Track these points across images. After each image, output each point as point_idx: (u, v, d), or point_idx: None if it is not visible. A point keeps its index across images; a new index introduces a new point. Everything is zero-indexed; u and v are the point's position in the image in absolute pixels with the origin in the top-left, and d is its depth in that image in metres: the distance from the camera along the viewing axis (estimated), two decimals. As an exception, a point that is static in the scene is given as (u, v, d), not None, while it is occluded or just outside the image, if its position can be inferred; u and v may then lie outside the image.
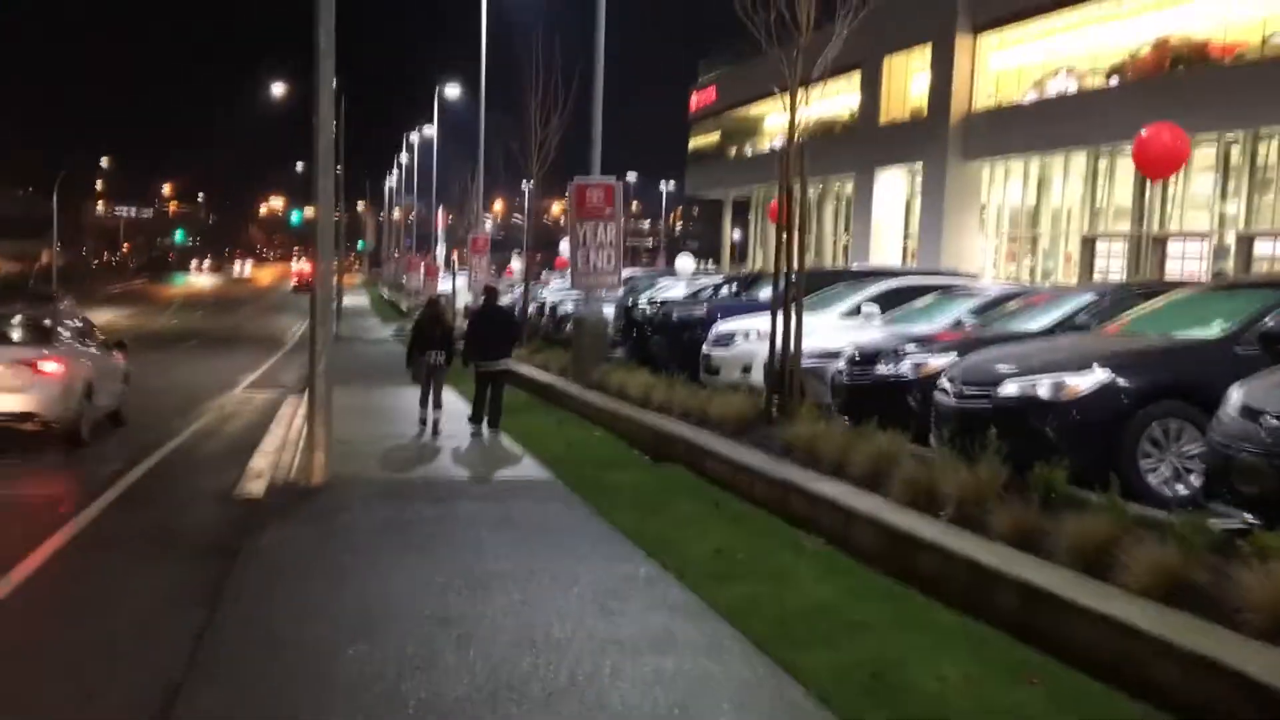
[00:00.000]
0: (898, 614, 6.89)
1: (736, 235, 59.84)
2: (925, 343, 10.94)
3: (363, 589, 7.48)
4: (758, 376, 14.54)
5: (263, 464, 13.21)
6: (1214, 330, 8.70)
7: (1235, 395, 6.90)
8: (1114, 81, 31.96)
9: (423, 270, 50.10)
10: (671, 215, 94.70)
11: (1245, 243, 28.08)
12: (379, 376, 23.38)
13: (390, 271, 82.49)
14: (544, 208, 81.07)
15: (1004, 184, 37.79)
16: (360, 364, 27.05)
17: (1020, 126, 34.57)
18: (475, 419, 14.79)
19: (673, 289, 22.32)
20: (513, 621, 6.74)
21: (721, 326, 15.49)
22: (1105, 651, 5.73)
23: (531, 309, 26.37)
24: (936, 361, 10.49)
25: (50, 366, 13.35)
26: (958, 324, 12.64)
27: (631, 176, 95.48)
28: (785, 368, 11.69)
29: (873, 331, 13.34)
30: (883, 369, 10.84)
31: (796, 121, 12.09)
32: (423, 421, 14.81)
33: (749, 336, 14.85)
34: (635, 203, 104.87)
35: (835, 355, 12.52)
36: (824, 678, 5.77)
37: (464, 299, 30.48)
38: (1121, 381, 8.35)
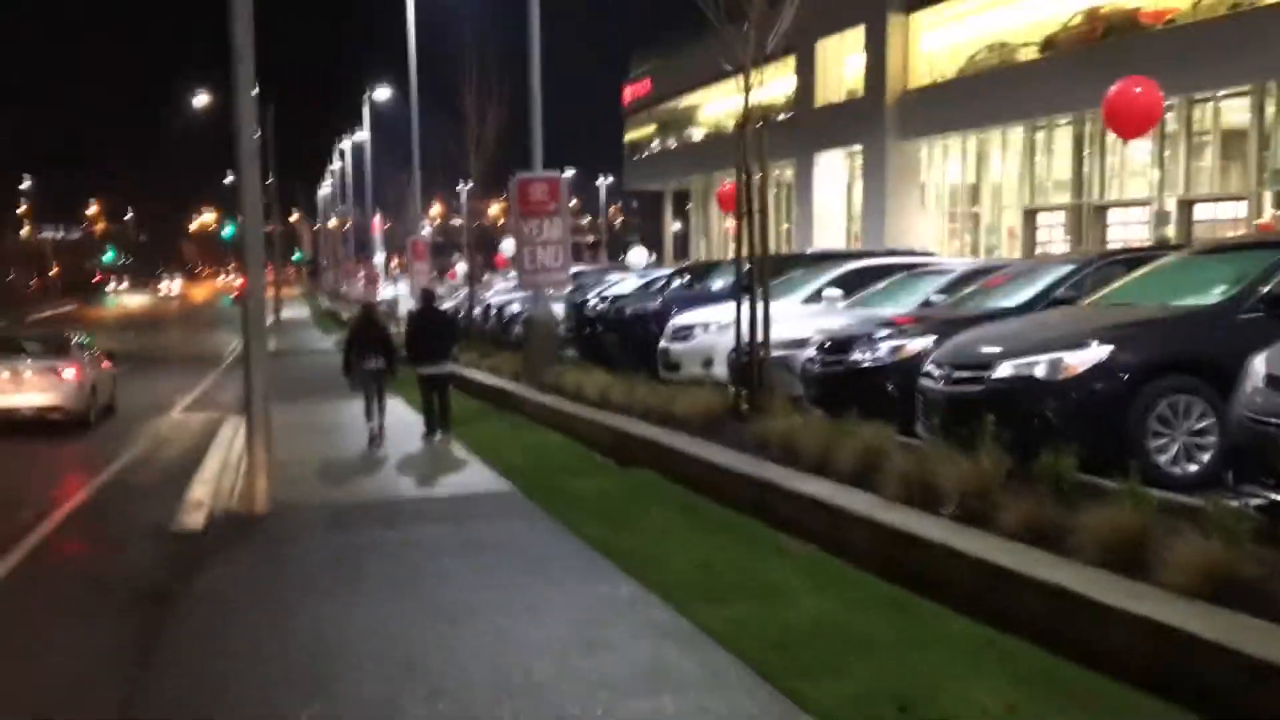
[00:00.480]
0: (908, 627, 6.21)
1: (676, 227, 59.23)
2: (899, 326, 10.29)
3: (316, 634, 6.67)
4: (721, 370, 13.86)
5: (202, 493, 12.31)
6: (1214, 297, 8.12)
7: (1259, 365, 6.30)
8: (1047, 54, 31.69)
9: (362, 278, 48.90)
10: (610, 209, 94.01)
11: (1185, 207, 27.88)
12: (322, 390, 22.42)
13: (329, 281, 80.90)
14: (483, 208, 79.94)
15: (943, 162, 37.48)
16: (302, 378, 26.04)
17: (956, 104, 34.20)
18: (429, 428, 14.40)
19: (623, 284, 21.57)
20: (487, 663, 5.97)
21: (679, 319, 14.78)
22: (1152, 659, 5.10)
23: (477, 311, 25.50)
24: (914, 345, 9.86)
25: (69, 372, 18.24)
26: (927, 304, 12.03)
27: (570, 172, 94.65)
28: (754, 359, 11.00)
29: (838, 317, 12.72)
30: (857, 355, 10.17)
31: (750, 101, 11.39)
32: (372, 433, 14.19)
33: (709, 328, 14.15)
34: (574, 199, 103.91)
35: (802, 344, 11.86)
36: (842, 713, 5.08)
37: (406, 305, 29.49)
38: (1122, 357, 7.75)
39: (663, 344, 14.93)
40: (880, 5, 36.30)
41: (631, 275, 21.79)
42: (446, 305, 33.75)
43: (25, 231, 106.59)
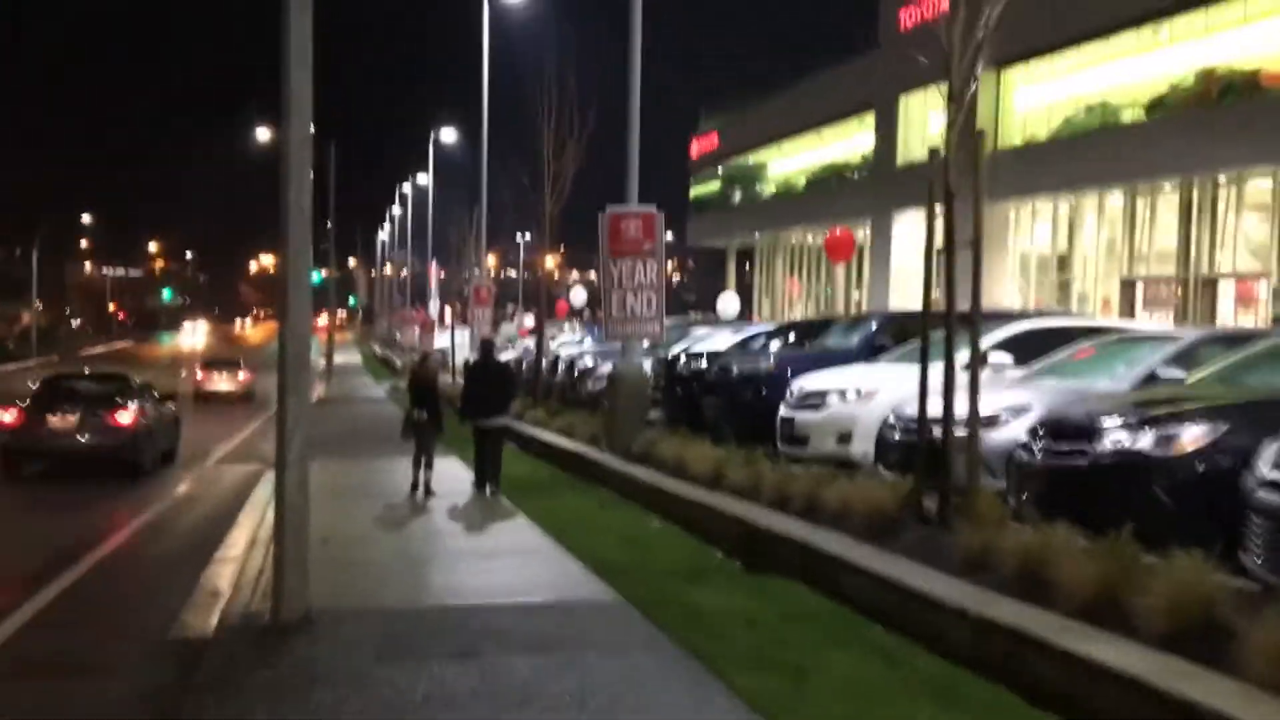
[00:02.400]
0: None
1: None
2: (1161, 407, 7.33)
3: None
4: (861, 448, 10.98)
5: (222, 577, 9.57)
6: None
7: None
8: (1154, 115, 28.83)
9: (418, 326, 46.46)
10: (670, 265, 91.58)
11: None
12: (371, 443, 19.76)
13: (383, 327, 78.68)
14: (538, 262, 77.67)
15: (1031, 226, 34.59)
16: (351, 428, 23.41)
17: (1049, 165, 31.37)
18: (479, 482, 13.49)
19: (714, 339, 18.75)
20: None
21: (806, 383, 11.88)
22: None
23: (544, 365, 22.73)
24: (1191, 433, 6.92)
25: (125, 416, 17.07)
26: (1151, 379, 9.09)
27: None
28: (947, 440, 8.07)
29: (1022, 390, 9.80)
30: (1107, 444, 7.21)
31: (960, 110, 8.66)
32: (414, 485, 13.35)
33: (846, 396, 11.27)
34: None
35: (991, 421, 8.93)
36: None
37: (464, 354, 26.84)
38: None
39: (785, 412, 12.03)
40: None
41: (722, 329, 18.93)
42: (507, 356, 31.17)
43: (88, 267, 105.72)
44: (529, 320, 51.87)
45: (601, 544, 10.13)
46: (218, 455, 20.11)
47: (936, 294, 9.35)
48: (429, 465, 13.28)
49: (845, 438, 11.10)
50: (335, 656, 6.80)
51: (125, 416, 16.93)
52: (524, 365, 27.43)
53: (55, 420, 16.73)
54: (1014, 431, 8.73)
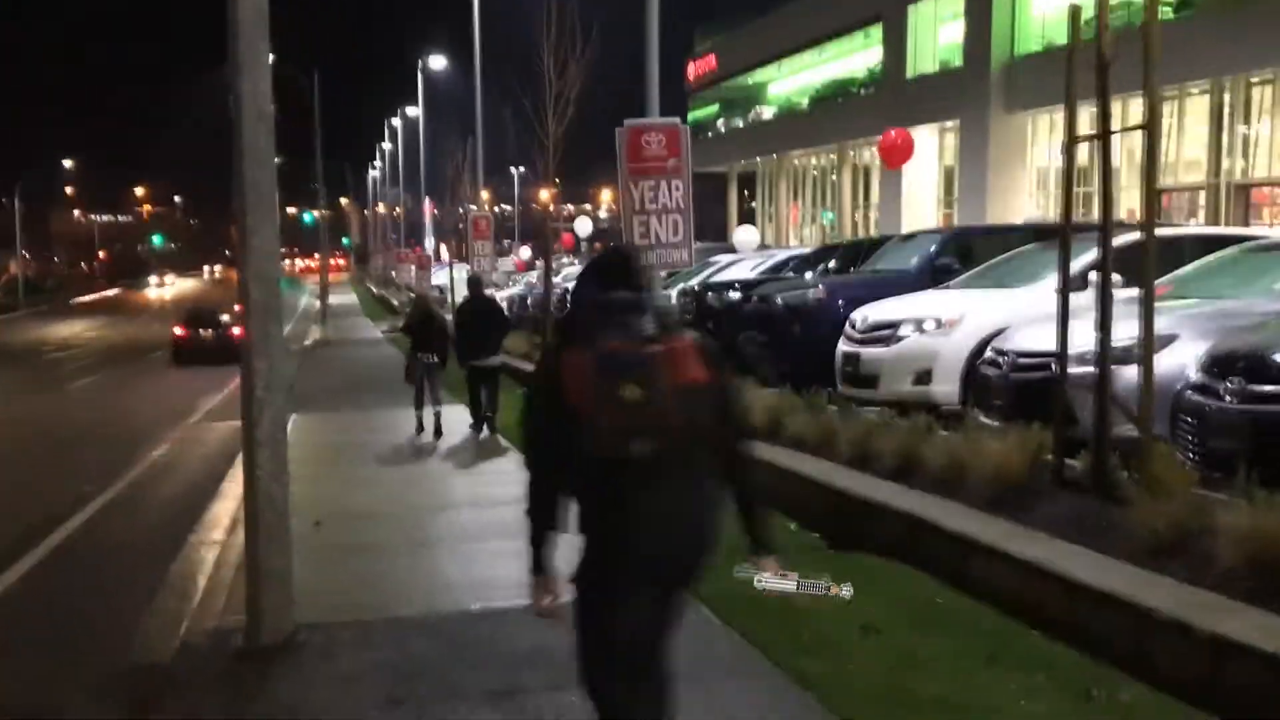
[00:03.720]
0: None
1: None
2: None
3: None
4: (944, 388, 9.18)
5: (194, 572, 7.81)
6: None
7: None
8: (1181, 14, 26.70)
9: (414, 264, 44.44)
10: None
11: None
12: (371, 388, 17.95)
13: (378, 266, 76.42)
14: (532, 196, 75.21)
15: (1049, 139, 32.48)
16: (350, 374, 21.57)
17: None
18: (475, 424, 12.78)
19: (736, 268, 16.87)
20: None
21: (872, 313, 10.01)
22: None
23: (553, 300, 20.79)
24: None
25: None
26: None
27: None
28: (1103, 382, 6.25)
29: (1134, 317, 7.95)
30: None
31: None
32: (420, 426, 12.80)
33: (924, 327, 9.42)
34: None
35: (1124, 356, 7.10)
36: None
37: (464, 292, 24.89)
38: None
39: (846, 348, 10.19)
40: (984, -39, 31.39)
41: (745, 257, 17.00)
42: (512, 292, 29.24)
43: (78, 215, 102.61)
44: (524, 253, 49.83)
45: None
46: (204, 409, 18.27)
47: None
48: (437, 402, 12.77)
49: (924, 376, 9.29)
50: (328, 699, 5.04)
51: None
52: (527, 301, 25.55)
53: (203, 333, 29.12)
54: (1163, 367, 6.90)
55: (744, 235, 16.52)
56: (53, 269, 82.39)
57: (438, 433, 12.57)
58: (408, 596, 6.70)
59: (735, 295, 13.39)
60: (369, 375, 20.51)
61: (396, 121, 56.59)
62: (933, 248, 11.81)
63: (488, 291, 14.91)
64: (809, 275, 14.12)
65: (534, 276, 30.53)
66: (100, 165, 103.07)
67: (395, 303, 45.22)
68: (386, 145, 65.65)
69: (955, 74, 33.58)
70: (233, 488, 10.60)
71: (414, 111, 46.70)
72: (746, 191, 52.25)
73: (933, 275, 11.38)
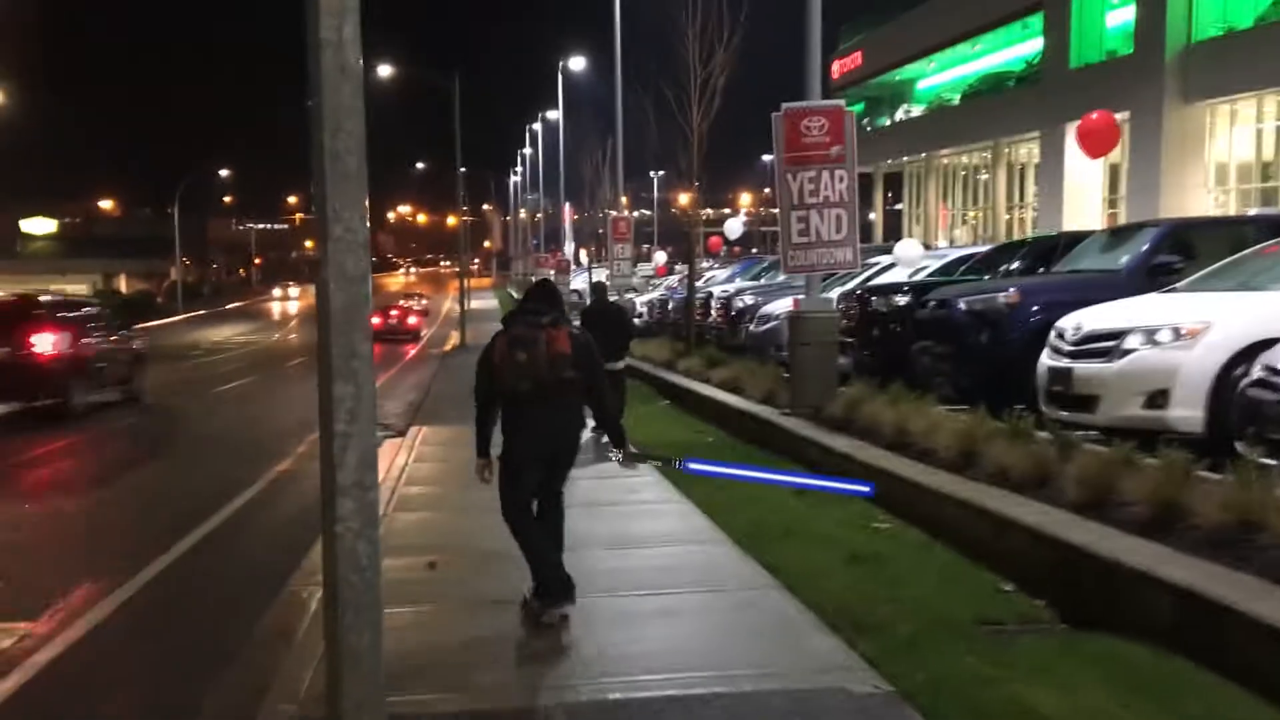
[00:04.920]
0: None
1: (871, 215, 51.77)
2: None
3: None
4: (1185, 412, 7.38)
5: (291, 623, 6.58)
6: None
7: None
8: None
9: (553, 269, 43.59)
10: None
11: None
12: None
13: (519, 271, 76.31)
14: (672, 199, 74.03)
15: (1229, 131, 29.58)
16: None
17: (1257, 56, 26.42)
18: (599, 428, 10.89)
19: (898, 269, 15.15)
20: None
21: (1087, 320, 8.23)
22: None
23: (697, 305, 19.34)
24: None
25: (412, 319, 43.27)
26: None
27: (767, 158, 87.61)
28: None
29: None
30: None
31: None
32: None
33: (1157, 337, 7.63)
34: (767, 189, 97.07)
35: None
36: None
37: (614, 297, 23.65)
38: None
39: (1053, 361, 8.44)
40: (1158, -56, 28.75)
41: (904, 267, 15.22)
42: (651, 297, 27.98)
43: (235, 224, 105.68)
44: (660, 257, 48.55)
45: (819, 564, 6.84)
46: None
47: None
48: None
49: (1159, 398, 7.50)
50: None
51: (413, 319, 41.49)
52: (668, 306, 24.21)
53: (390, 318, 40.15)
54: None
55: (907, 249, 14.77)
56: (210, 274, 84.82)
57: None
58: (547, 669, 5.31)
59: (903, 299, 11.71)
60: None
61: (537, 126, 55.99)
62: (1148, 243, 9.93)
63: (616, 296, 14.36)
64: (986, 278, 12.32)
65: (674, 280, 29.15)
66: (255, 173, 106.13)
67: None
68: (527, 150, 65.27)
69: (1125, 62, 30.94)
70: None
71: (554, 115, 45.88)
72: (891, 193, 49.98)
73: (1148, 275, 9.53)
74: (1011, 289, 10.02)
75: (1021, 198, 38.71)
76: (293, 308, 67.66)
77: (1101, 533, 5.82)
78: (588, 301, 18.54)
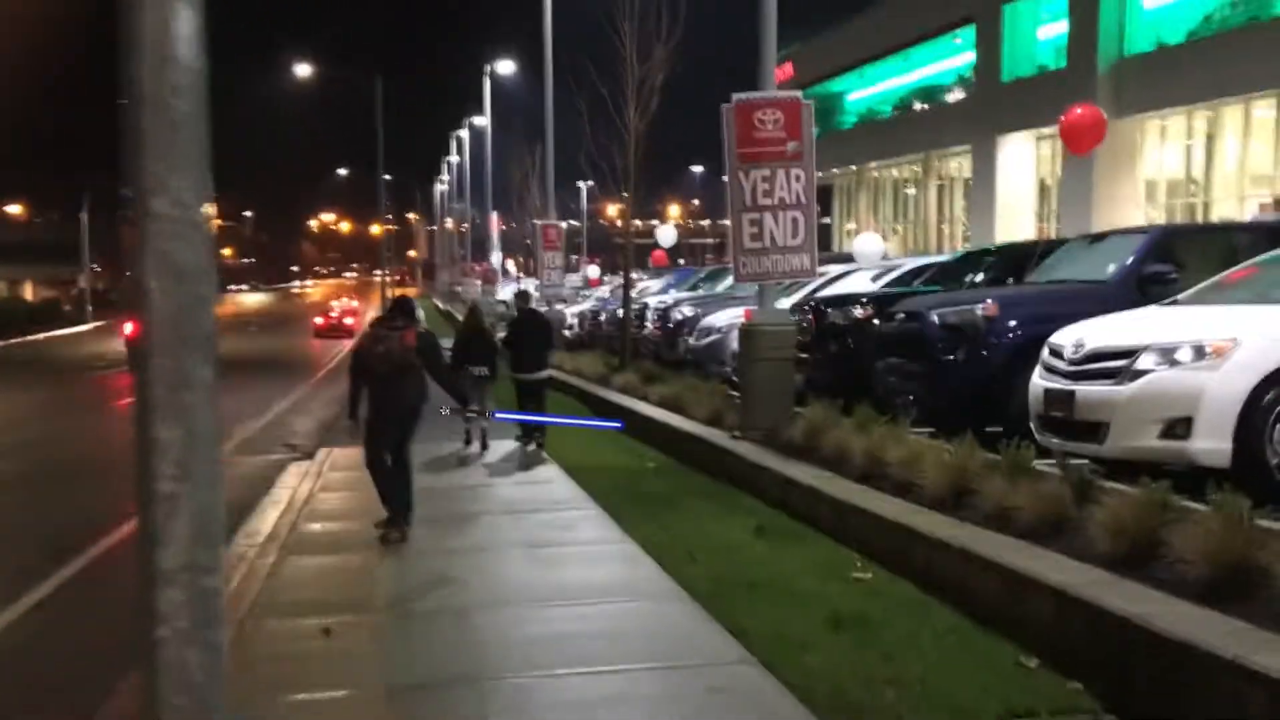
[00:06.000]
0: None
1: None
2: None
3: None
4: (1209, 445, 6.30)
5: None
6: None
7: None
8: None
9: (479, 279, 42.10)
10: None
11: None
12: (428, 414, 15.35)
13: (444, 281, 74.33)
14: (600, 210, 72.75)
15: (1160, 145, 29.28)
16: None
17: (1187, 72, 26.08)
18: (524, 435, 12.64)
19: (850, 279, 14.06)
20: None
21: (1090, 337, 7.11)
22: None
23: (632, 317, 18.08)
24: None
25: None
26: None
27: (697, 169, 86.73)
28: None
29: None
30: None
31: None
32: (468, 438, 12.71)
33: (1176, 356, 6.54)
34: (696, 200, 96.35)
35: None
36: None
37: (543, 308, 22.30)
38: None
39: (1048, 383, 7.31)
40: (1088, -44, 28.31)
41: (860, 267, 14.16)
42: (582, 308, 26.65)
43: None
44: (592, 270, 47.24)
45: (797, 629, 5.62)
46: (237, 439, 15.75)
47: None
48: (483, 414, 12.09)
49: (1179, 426, 6.41)
50: None
51: (350, 319, 42.15)
52: (599, 317, 22.94)
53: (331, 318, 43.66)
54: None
55: (866, 244, 13.74)
56: (122, 281, 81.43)
57: (484, 446, 12.41)
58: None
59: (862, 311, 10.58)
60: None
61: (464, 133, 54.32)
62: (1136, 252, 8.89)
63: (547, 306, 14.22)
64: (954, 289, 11.24)
65: (606, 291, 27.87)
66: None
67: (460, 318, 43.05)
68: (454, 158, 63.51)
69: (1057, 76, 30.47)
70: (249, 543, 8.04)
71: (481, 121, 44.33)
72: (820, 206, 49.35)
73: (1139, 286, 8.51)
74: (989, 300, 8.91)
75: (951, 211, 38.22)
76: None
77: (1156, 600, 4.67)
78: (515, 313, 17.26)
